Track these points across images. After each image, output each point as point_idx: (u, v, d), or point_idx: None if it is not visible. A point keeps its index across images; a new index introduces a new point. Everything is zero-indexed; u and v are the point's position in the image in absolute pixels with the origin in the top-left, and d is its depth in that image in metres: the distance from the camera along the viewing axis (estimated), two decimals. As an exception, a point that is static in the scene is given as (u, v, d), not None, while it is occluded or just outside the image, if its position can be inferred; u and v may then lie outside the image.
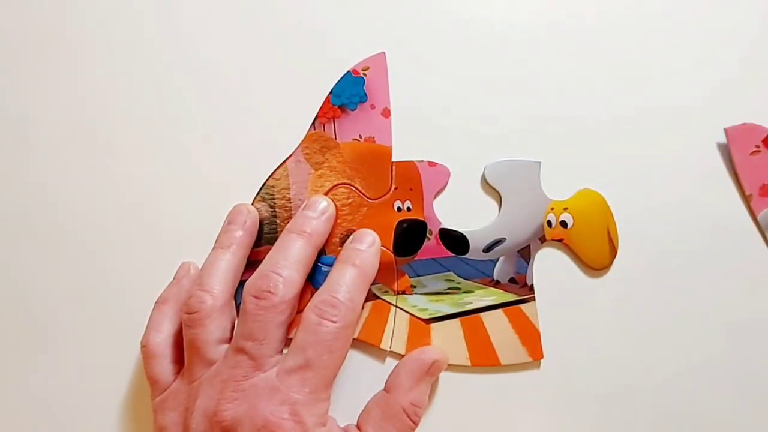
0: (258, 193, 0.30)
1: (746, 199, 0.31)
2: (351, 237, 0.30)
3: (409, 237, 0.30)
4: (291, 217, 0.30)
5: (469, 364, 0.30)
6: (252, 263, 0.29)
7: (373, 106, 0.30)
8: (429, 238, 0.31)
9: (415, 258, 0.30)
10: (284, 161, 0.30)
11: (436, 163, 0.31)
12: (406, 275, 0.31)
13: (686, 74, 0.31)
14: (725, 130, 0.31)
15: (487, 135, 0.31)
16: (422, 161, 0.31)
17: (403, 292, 0.30)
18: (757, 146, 0.31)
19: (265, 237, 0.30)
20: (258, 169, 0.31)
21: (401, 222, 0.30)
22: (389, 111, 0.31)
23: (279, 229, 0.30)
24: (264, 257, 0.28)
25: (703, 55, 0.32)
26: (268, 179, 0.30)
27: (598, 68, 0.31)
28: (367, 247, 0.29)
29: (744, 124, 0.31)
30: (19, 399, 0.31)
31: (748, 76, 0.31)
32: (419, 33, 0.31)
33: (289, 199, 0.30)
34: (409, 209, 0.31)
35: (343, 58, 0.30)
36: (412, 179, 0.31)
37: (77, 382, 0.31)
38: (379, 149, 0.30)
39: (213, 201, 0.31)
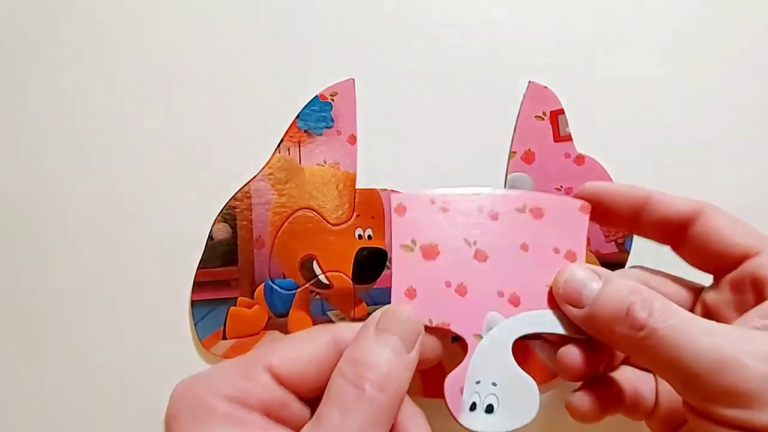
0: (220, 213, 0.30)
1: (510, 155, 0.31)
2: None
3: (368, 265, 0.30)
4: (251, 239, 0.30)
5: (421, 395, 0.30)
6: (205, 283, 0.29)
7: (339, 132, 0.30)
8: (389, 267, 0.30)
9: (374, 286, 0.30)
10: (247, 182, 0.30)
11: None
12: (364, 303, 0.30)
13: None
14: (529, 82, 0.31)
15: (452, 165, 0.31)
16: (386, 190, 0.31)
17: (360, 320, 0.30)
18: (544, 113, 0.31)
19: (223, 258, 0.30)
20: (223, 189, 0.30)
21: (361, 249, 0.30)
22: (355, 138, 0.30)
23: (238, 250, 0.30)
24: (220, 278, 0.28)
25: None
26: (230, 200, 0.30)
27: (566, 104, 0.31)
28: None
29: (546, 87, 0.31)
30: (20, 399, 0.30)
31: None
32: (388, 61, 0.31)
33: (251, 221, 0.30)
34: (370, 237, 0.30)
35: (311, 83, 0.30)
36: (375, 207, 0.30)
37: (77, 382, 0.30)
38: (344, 176, 0.30)
39: (176, 220, 0.30)
